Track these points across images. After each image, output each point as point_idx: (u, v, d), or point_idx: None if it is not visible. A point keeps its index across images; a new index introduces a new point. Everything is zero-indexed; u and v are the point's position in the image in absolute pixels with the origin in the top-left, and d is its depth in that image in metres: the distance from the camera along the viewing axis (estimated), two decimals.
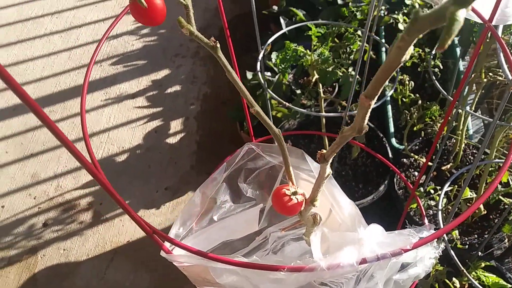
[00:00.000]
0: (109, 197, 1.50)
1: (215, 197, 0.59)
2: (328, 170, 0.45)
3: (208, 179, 0.59)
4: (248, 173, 0.61)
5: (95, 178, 0.40)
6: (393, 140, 1.34)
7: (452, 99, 0.87)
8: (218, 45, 0.45)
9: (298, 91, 1.41)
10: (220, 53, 0.46)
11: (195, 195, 0.58)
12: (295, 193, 0.51)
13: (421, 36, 0.25)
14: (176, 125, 1.63)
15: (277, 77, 1.41)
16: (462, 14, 0.23)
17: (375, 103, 0.96)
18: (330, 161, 0.42)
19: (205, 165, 1.54)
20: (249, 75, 1.54)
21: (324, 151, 0.41)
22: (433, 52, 1.25)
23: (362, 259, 0.45)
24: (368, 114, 0.31)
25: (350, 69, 1.10)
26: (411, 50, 0.25)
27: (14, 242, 1.41)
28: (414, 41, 0.25)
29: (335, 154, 0.40)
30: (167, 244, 0.55)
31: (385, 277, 0.58)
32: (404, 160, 1.28)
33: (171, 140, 1.60)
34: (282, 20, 1.54)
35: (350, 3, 1.42)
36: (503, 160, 1.05)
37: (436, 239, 0.61)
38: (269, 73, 1.47)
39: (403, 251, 0.46)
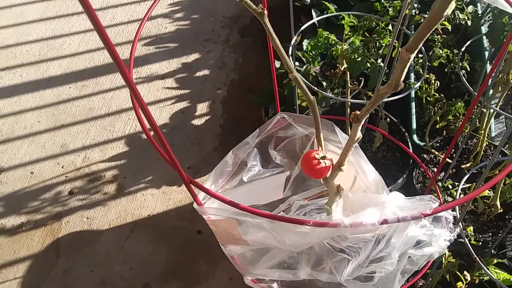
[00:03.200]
0: (133, 171, 1.54)
1: (246, 160, 0.63)
2: (359, 134, 0.48)
3: (241, 142, 0.62)
4: (278, 141, 0.65)
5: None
6: (415, 137, 1.36)
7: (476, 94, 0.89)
8: (266, 12, 0.49)
9: (324, 83, 1.43)
10: (266, 20, 0.50)
11: (227, 156, 0.62)
12: (323, 158, 0.54)
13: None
14: (202, 107, 1.67)
15: (305, 67, 1.44)
16: None
17: (399, 95, 0.99)
18: (362, 122, 0.45)
19: (227, 148, 1.56)
20: (277, 64, 1.57)
21: (358, 112, 0.44)
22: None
23: (383, 220, 0.48)
24: (406, 69, 0.34)
25: (379, 61, 1.13)
26: (453, 4, 0.28)
27: (40, 207, 1.47)
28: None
29: (368, 115, 0.44)
30: (200, 198, 0.59)
31: (401, 248, 0.61)
32: (425, 156, 1.30)
33: (197, 122, 1.64)
34: (313, 13, 1.57)
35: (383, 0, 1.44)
36: None
37: (453, 223, 0.64)
38: (297, 63, 1.50)
39: (423, 216, 0.48)
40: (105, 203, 1.48)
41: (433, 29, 0.31)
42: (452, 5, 0.29)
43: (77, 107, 1.68)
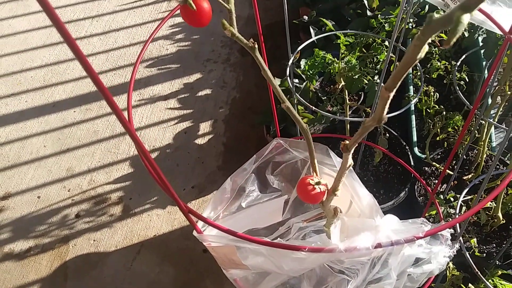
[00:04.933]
0: (138, 192, 1.56)
1: (244, 186, 0.65)
2: (350, 161, 0.49)
3: (239, 169, 0.64)
4: (275, 166, 0.66)
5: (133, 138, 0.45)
6: (416, 149, 1.37)
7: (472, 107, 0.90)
8: (256, 46, 0.51)
9: (324, 99, 1.45)
10: (257, 53, 0.52)
11: (226, 182, 0.63)
12: (318, 183, 0.56)
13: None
14: (205, 127, 1.69)
15: (304, 84, 1.46)
16: (466, 18, 0.28)
17: (398, 111, 1.00)
18: (352, 151, 0.47)
19: (231, 166, 1.60)
20: (277, 81, 1.59)
21: (347, 141, 0.45)
22: (442, 47, 1.27)
23: (377, 244, 0.49)
24: (388, 105, 0.35)
25: (376, 78, 1.14)
26: (426, 48, 0.30)
27: (47, 231, 1.49)
28: (429, 40, 0.30)
29: (356, 145, 0.45)
30: (199, 225, 0.61)
31: (399, 268, 0.61)
32: (426, 168, 1.31)
33: (200, 141, 1.66)
34: (311, 30, 1.59)
35: (379, 15, 1.46)
36: None
37: (450, 239, 0.65)
38: (296, 80, 1.52)
39: (416, 238, 0.50)
40: (111, 225, 1.49)
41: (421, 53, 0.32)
42: (425, 48, 0.31)
43: (82, 130, 1.70)
